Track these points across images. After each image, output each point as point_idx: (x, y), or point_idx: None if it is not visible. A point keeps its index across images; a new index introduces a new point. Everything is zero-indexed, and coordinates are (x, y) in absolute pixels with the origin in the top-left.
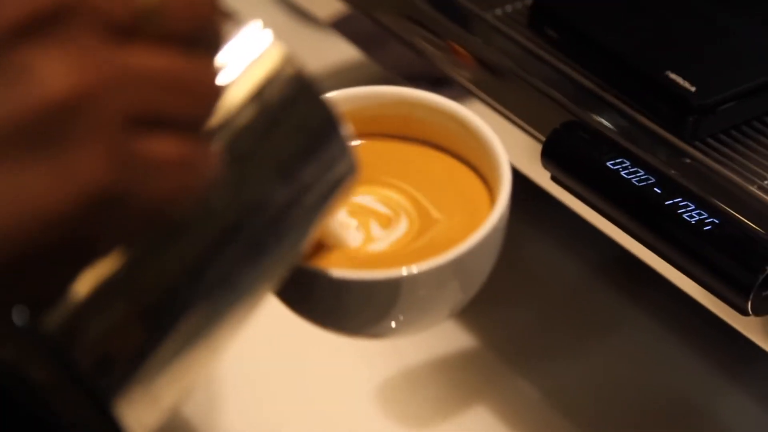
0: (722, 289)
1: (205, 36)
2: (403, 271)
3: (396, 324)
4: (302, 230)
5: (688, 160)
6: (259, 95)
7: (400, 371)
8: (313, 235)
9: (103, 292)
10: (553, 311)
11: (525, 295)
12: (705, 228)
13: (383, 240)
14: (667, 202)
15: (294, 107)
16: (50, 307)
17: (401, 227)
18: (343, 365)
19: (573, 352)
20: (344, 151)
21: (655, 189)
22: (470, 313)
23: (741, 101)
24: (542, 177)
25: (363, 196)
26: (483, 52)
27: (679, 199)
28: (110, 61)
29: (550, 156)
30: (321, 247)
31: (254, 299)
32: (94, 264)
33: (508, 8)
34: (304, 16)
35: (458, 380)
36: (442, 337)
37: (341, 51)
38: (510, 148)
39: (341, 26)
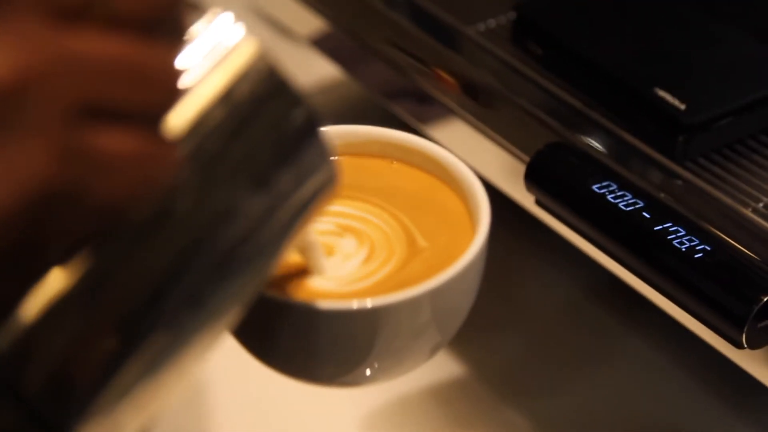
0: (715, 321)
1: (166, 23)
2: (379, 301)
3: (370, 368)
4: (276, 244)
5: (678, 182)
6: (228, 92)
7: (390, 400)
8: (287, 250)
9: (56, 309)
10: (544, 339)
11: (515, 322)
12: (696, 255)
13: (359, 267)
14: (656, 228)
15: (268, 106)
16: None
17: (381, 253)
18: (332, 395)
19: (564, 382)
20: (323, 155)
21: (644, 213)
22: (459, 341)
23: (734, 118)
24: (527, 200)
25: (339, 217)
26: (465, 69)
27: (669, 224)
28: (54, 46)
29: (533, 179)
30: (288, 275)
31: (224, 319)
32: (45, 277)
33: (491, 23)
34: (285, 32)
35: (448, 411)
36: (432, 366)
37: (323, 69)
38: (494, 169)
39: (322, 44)
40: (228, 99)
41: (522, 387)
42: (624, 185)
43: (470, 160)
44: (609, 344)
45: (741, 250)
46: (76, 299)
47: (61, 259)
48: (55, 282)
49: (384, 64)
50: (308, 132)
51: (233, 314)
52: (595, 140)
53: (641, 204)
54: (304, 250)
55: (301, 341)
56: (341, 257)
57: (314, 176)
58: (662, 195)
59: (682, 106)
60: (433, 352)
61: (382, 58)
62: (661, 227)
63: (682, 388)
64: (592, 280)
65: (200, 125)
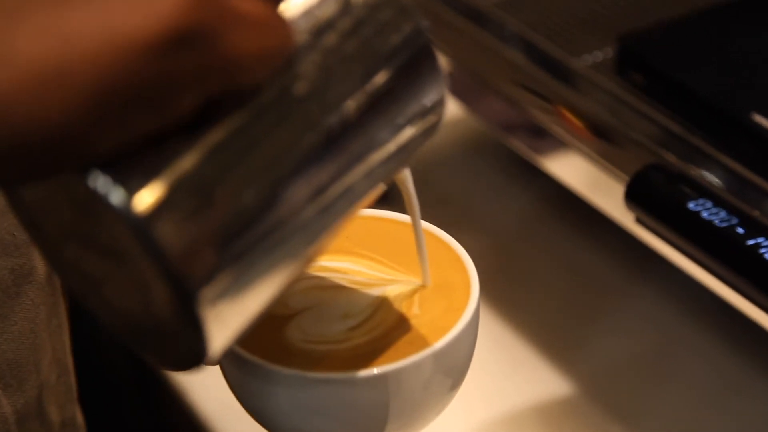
0: None
1: None
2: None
3: None
4: (389, 148)
5: None
6: None
7: (499, 414)
8: (400, 162)
9: (195, 161)
10: (652, 359)
11: (625, 336)
12: None
13: (363, 332)
14: (749, 242)
15: (384, 14)
16: (131, 174)
17: (377, 317)
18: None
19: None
20: (435, 72)
21: (738, 229)
22: (569, 355)
23: None
24: (628, 219)
25: (348, 274)
26: (574, 100)
27: (763, 239)
28: None
29: (633, 197)
30: (285, 345)
31: (344, 214)
32: (180, 129)
33: (598, 55)
34: None
35: (555, 426)
36: (539, 381)
37: None
38: (596, 190)
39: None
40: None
41: (630, 400)
42: (719, 203)
43: (576, 185)
44: (734, 381)
45: None
46: (217, 159)
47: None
48: (193, 135)
49: (498, 98)
50: (422, 47)
51: (346, 211)
52: (694, 163)
53: (735, 221)
54: (403, 182)
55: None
56: (339, 315)
57: (426, 90)
58: (756, 213)
59: None
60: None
61: (496, 92)
62: (754, 242)
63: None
64: (699, 302)
65: (316, 15)
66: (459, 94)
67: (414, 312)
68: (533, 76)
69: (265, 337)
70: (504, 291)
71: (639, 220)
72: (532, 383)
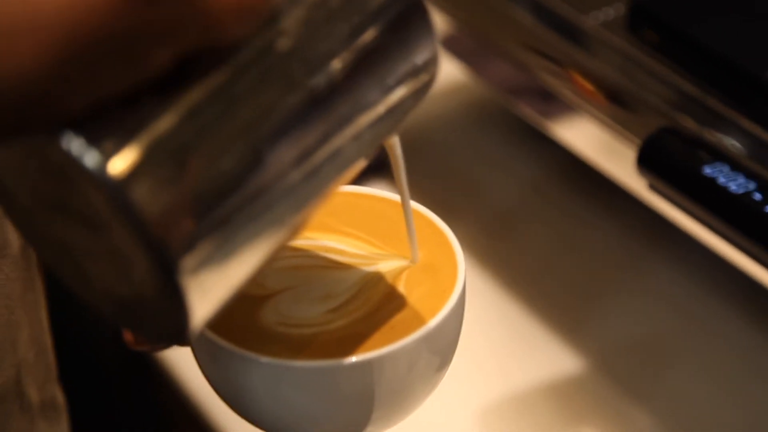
0: None
1: None
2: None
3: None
4: (374, 116)
5: None
6: None
7: (507, 393)
8: (391, 123)
9: (177, 119)
10: (665, 338)
11: (637, 314)
12: None
13: (343, 314)
14: (767, 209)
15: None
16: (106, 136)
17: (360, 298)
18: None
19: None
20: (427, 28)
21: (755, 195)
22: (579, 334)
23: None
24: (640, 185)
25: (331, 253)
26: (584, 60)
27: None
28: None
29: (645, 163)
30: (261, 331)
31: (331, 180)
32: (160, 85)
33: (608, 11)
34: None
35: (564, 404)
36: (547, 359)
37: (445, 68)
38: (607, 156)
39: (444, 43)
40: None
41: (644, 376)
42: (736, 167)
43: (586, 150)
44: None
45: None
46: (193, 114)
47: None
48: (170, 95)
49: (504, 60)
50: (412, 1)
51: (334, 177)
52: (710, 125)
53: (753, 186)
54: (392, 147)
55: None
56: (319, 296)
57: (417, 51)
58: None
59: None
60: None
61: (503, 54)
62: None
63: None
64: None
65: None
66: (460, 55)
67: (399, 292)
68: (539, 36)
69: (239, 320)
70: (510, 267)
71: (652, 187)
72: (539, 362)
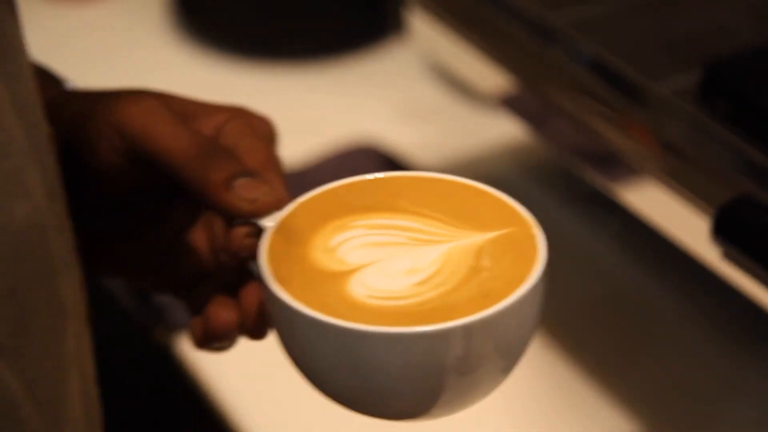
0: None
1: None
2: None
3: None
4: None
5: None
6: None
7: None
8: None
9: None
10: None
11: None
12: None
13: (417, 283)
14: None
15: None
16: None
17: (446, 271)
18: None
19: None
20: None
21: None
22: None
23: None
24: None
25: (409, 231)
26: (653, 125)
27: None
28: None
29: (721, 231)
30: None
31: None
32: None
33: (680, 79)
34: (465, 90)
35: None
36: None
37: (501, 128)
38: (675, 223)
39: (506, 103)
40: None
41: None
42: None
43: (655, 216)
44: None
45: None
46: None
47: None
48: None
49: (569, 122)
50: None
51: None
52: None
53: None
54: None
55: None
56: (404, 270)
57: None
58: None
59: None
60: (488, 385)
61: (568, 116)
62: None
63: None
64: None
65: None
66: (523, 115)
67: (484, 264)
68: (607, 99)
69: (325, 292)
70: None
71: (726, 255)
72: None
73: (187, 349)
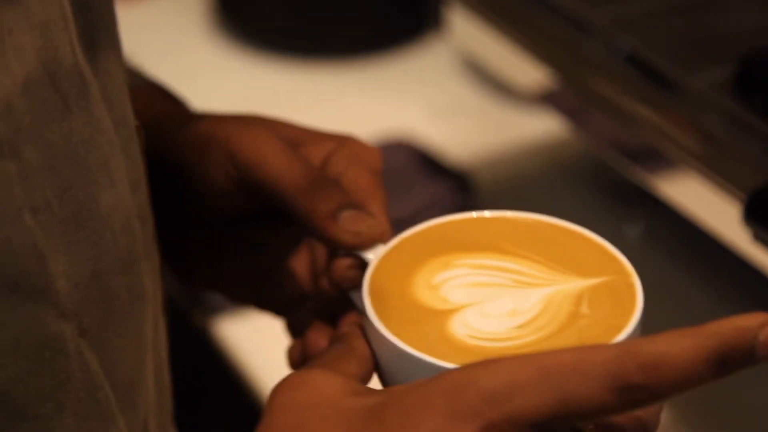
0: None
1: None
2: None
3: None
4: None
5: None
6: None
7: None
8: None
9: None
10: None
11: None
12: None
13: (528, 331)
14: None
15: None
16: None
17: (546, 316)
18: None
19: None
20: None
21: None
22: None
23: None
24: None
25: (512, 274)
26: (689, 118)
27: None
28: None
29: (752, 213)
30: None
31: None
32: None
33: (715, 72)
34: (501, 87)
35: None
36: None
37: (541, 125)
38: (711, 211)
39: (545, 98)
40: None
41: None
42: None
43: (689, 205)
44: None
45: None
46: None
47: None
48: None
49: (607, 116)
50: None
51: None
52: None
53: None
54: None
55: None
56: (506, 312)
57: None
58: None
59: None
60: None
61: (606, 110)
62: None
63: None
64: None
65: None
66: (562, 110)
67: (583, 311)
68: (645, 94)
69: (426, 330)
70: None
71: (757, 237)
72: None
73: (224, 332)
